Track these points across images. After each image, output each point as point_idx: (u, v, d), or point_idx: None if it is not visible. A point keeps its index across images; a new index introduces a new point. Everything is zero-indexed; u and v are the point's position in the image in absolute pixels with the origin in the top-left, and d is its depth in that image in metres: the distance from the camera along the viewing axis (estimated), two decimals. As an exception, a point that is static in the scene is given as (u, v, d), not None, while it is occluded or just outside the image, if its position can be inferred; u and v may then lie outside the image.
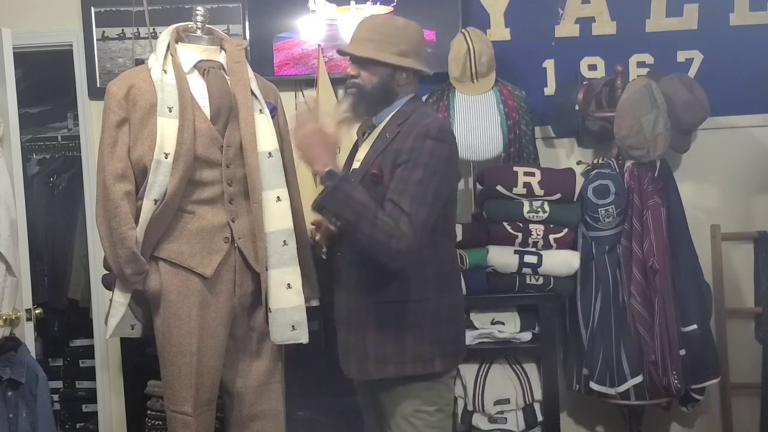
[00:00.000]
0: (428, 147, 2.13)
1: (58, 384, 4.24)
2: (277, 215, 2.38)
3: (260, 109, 2.42)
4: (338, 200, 2.07)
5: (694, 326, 3.03)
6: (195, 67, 2.40)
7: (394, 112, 2.27)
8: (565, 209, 3.01)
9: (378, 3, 3.30)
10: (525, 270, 2.99)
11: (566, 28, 3.35)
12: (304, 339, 2.41)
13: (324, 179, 2.10)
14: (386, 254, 2.07)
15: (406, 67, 2.24)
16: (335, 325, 2.32)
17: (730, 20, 3.32)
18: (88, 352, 4.00)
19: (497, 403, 2.97)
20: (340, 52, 2.34)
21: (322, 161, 2.12)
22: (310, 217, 2.60)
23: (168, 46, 2.39)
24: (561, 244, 3.01)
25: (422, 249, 2.14)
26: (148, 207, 2.28)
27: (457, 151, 2.25)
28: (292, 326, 2.37)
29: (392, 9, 3.27)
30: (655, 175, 3.06)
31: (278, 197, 2.39)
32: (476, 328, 2.99)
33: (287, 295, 2.37)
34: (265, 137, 2.40)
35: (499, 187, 2.97)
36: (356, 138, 2.41)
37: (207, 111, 2.36)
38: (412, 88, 2.31)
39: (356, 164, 2.31)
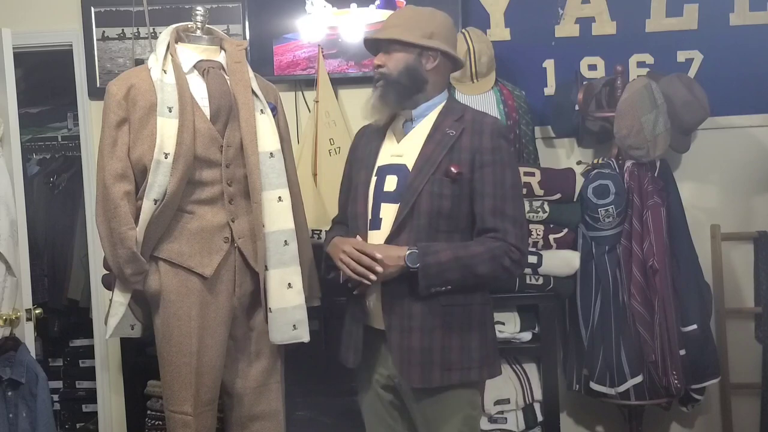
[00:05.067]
0: (505, 146, 2.16)
1: (58, 384, 4.24)
2: (278, 215, 2.37)
3: (261, 109, 2.42)
4: (433, 275, 2.07)
5: (694, 326, 3.03)
6: (195, 67, 2.40)
7: (440, 107, 2.22)
8: (565, 209, 3.01)
9: (381, 5, 3.29)
10: (525, 270, 2.99)
11: (566, 28, 3.35)
12: (306, 338, 2.41)
13: (406, 268, 2.08)
14: (508, 273, 2.12)
15: (434, 49, 2.17)
16: (387, 328, 2.17)
17: (730, 20, 3.32)
18: (88, 352, 4.01)
19: (497, 403, 2.97)
20: (366, 42, 2.30)
21: (394, 258, 2.08)
22: (312, 217, 2.62)
23: (168, 46, 2.39)
24: (561, 244, 3.01)
25: None
26: (148, 207, 2.28)
27: None
28: (293, 325, 2.37)
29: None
30: (655, 175, 3.06)
31: (279, 197, 2.39)
32: (476, 328, 2.99)
33: (288, 294, 2.37)
34: (267, 137, 2.39)
35: (499, 187, 2.96)
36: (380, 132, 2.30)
37: (207, 111, 2.36)
38: (445, 79, 2.26)
39: (396, 159, 2.21)
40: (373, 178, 2.22)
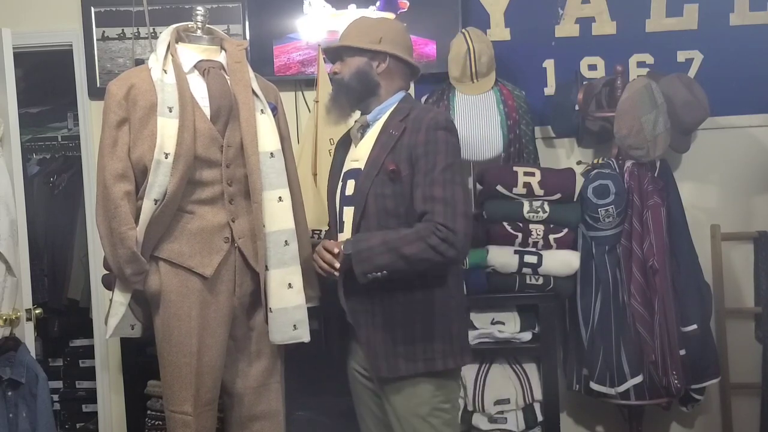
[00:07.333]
0: (442, 137, 2.18)
1: (58, 384, 4.24)
2: (278, 215, 2.38)
3: (261, 109, 2.42)
4: (365, 260, 2.13)
5: (694, 326, 3.03)
6: (195, 67, 2.40)
7: (391, 110, 2.30)
8: (565, 209, 3.01)
9: (381, 7, 3.28)
10: (525, 270, 2.99)
11: (566, 28, 3.35)
12: (306, 338, 2.41)
13: (342, 257, 2.18)
14: (438, 252, 2.09)
15: (382, 52, 2.27)
16: (355, 324, 2.28)
17: (730, 20, 3.32)
18: (88, 352, 4.01)
19: (497, 403, 2.98)
20: (326, 52, 2.43)
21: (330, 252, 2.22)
22: (312, 217, 2.63)
23: (168, 46, 2.39)
24: (561, 244, 3.01)
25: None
26: (148, 207, 2.28)
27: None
28: (294, 325, 2.38)
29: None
30: (655, 175, 3.06)
31: (280, 197, 2.39)
32: (476, 328, 2.99)
33: (288, 294, 2.38)
34: (267, 137, 2.40)
35: (499, 187, 2.97)
36: (347, 139, 2.44)
37: (207, 111, 2.36)
38: (399, 83, 2.33)
39: (354, 164, 2.32)
40: (339, 184, 2.36)
